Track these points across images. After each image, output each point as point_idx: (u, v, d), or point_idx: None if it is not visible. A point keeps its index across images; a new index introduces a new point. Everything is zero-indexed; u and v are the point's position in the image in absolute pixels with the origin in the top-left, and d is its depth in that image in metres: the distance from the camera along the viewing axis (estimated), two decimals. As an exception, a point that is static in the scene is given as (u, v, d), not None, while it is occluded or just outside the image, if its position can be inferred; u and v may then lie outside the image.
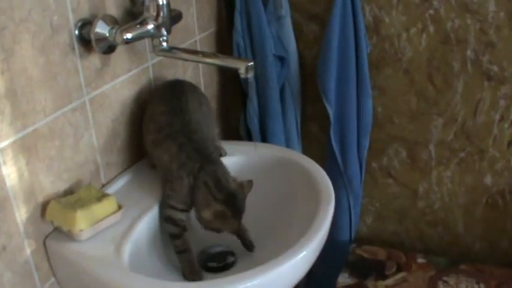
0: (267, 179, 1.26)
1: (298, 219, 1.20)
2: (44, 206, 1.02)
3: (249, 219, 1.11)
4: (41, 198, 1.02)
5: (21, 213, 0.98)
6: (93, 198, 1.04)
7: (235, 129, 1.62)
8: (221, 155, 1.27)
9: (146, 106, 1.20)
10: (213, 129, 1.27)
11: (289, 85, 1.56)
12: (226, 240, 1.16)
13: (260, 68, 1.47)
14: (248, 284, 0.91)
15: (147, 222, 1.09)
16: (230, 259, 1.18)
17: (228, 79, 1.58)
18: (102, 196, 1.05)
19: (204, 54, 1.13)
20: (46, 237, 1.04)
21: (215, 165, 1.09)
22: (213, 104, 1.55)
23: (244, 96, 1.55)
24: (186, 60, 1.16)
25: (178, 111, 1.13)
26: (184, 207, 1.09)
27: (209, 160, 1.09)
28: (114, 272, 0.96)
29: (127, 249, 1.01)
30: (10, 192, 0.95)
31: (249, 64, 1.03)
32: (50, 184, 1.04)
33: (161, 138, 1.12)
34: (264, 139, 1.56)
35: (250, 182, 1.09)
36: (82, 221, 1.00)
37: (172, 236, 1.10)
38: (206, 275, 1.13)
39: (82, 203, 1.02)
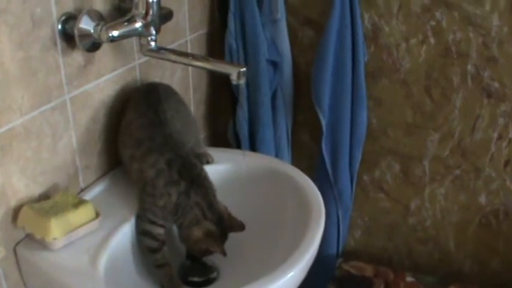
0: (254, 190, 1.20)
1: (286, 234, 1.14)
2: (16, 211, 0.96)
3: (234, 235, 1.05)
4: (13, 202, 0.95)
5: (-13, 220, 0.91)
6: (70, 204, 0.98)
7: (223, 135, 1.56)
8: (208, 162, 1.21)
9: (121, 116, 1.13)
10: (195, 135, 1.21)
11: (282, 91, 1.50)
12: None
13: (252, 72, 1.41)
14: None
15: (125, 233, 1.03)
16: (213, 274, 1.12)
17: (218, 82, 1.52)
18: (79, 203, 0.99)
19: (194, 57, 1.06)
20: (17, 244, 0.97)
21: (205, 185, 1.04)
22: (201, 108, 1.49)
23: (234, 101, 1.49)
24: (174, 62, 1.10)
25: (157, 123, 1.07)
26: (164, 223, 1.03)
27: (199, 178, 1.04)
28: (88, 285, 0.90)
29: (103, 260, 0.94)
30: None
31: (241, 70, 0.97)
32: (24, 187, 0.97)
33: (141, 153, 1.05)
34: (253, 146, 1.50)
35: (241, 224, 1.04)
36: (56, 229, 0.93)
37: (150, 250, 1.04)
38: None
39: (57, 210, 0.96)
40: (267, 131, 1.50)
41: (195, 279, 1.10)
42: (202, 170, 1.06)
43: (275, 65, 1.46)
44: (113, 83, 1.14)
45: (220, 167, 1.21)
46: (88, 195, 1.09)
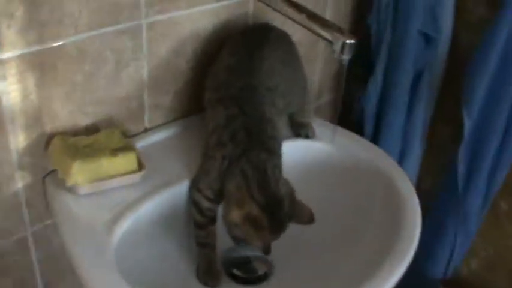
0: (338, 182, 0.97)
1: (367, 244, 0.91)
2: (52, 138, 0.83)
3: (300, 227, 0.82)
4: (49, 129, 0.83)
5: (17, 140, 0.80)
6: (110, 148, 0.83)
7: (347, 110, 1.30)
8: (307, 136, 1.00)
9: (218, 53, 0.94)
10: (302, 99, 0.99)
11: (429, 74, 1.20)
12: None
13: (396, 41, 1.14)
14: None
15: (166, 199, 0.85)
16: (262, 270, 0.93)
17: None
18: (121, 148, 0.83)
19: (301, 10, 0.81)
20: (47, 174, 0.86)
21: (267, 155, 0.81)
22: (327, 69, 1.24)
23: (367, 68, 1.22)
24: (280, 12, 0.86)
25: (244, 69, 0.86)
26: (211, 196, 0.83)
27: (261, 147, 0.82)
28: (90, 252, 0.75)
29: (123, 227, 0.79)
30: (6, 113, 0.77)
31: (348, 42, 0.72)
32: (67, 115, 0.84)
33: (215, 100, 0.87)
34: (377, 128, 1.24)
35: (311, 214, 0.81)
36: (79, 174, 0.79)
37: (196, 225, 0.86)
38: (228, 283, 0.90)
39: (91, 151, 0.81)
40: (398, 117, 1.22)
41: (238, 273, 0.92)
42: (272, 139, 0.84)
43: (428, 39, 1.16)
44: (212, 15, 0.94)
45: (304, 144, 0.99)
46: (149, 139, 0.94)
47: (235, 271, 0.92)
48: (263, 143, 0.82)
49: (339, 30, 0.73)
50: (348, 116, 1.28)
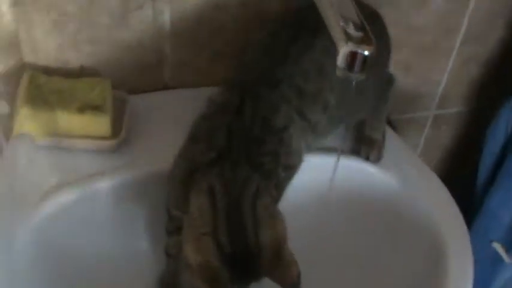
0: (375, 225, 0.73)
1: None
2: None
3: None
4: (31, 59, 0.70)
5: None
6: (84, 101, 0.67)
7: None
8: (367, 158, 0.74)
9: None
10: (369, 107, 0.73)
11: None
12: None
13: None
14: None
15: (134, 182, 0.67)
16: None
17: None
18: (97, 106, 0.67)
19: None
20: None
21: (250, 173, 0.56)
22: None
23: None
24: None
25: (275, 54, 0.62)
26: (176, 203, 0.62)
27: (245, 158, 0.57)
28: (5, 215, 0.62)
29: (64, 198, 0.64)
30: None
31: (360, 53, 0.45)
32: (56, 48, 0.70)
33: (228, 78, 0.65)
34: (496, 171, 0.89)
35: (296, 276, 0.54)
36: (27, 123, 0.66)
37: (165, 230, 0.67)
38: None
39: (57, 99, 0.67)
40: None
41: None
42: (271, 155, 0.59)
43: None
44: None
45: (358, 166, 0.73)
46: (164, 99, 0.77)
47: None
48: (249, 155, 0.58)
49: (346, 34, 0.45)
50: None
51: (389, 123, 0.82)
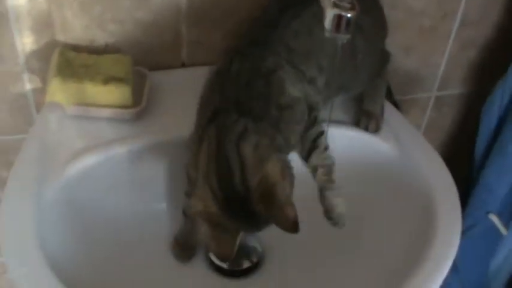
0: (374, 189, 0.78)
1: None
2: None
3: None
4: (62, 38, 0.78)
5: (23, 41, 0.77)
6: (108, 74, 0.75)
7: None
8: (366, 128, 0.80)
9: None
10: (365, 82, 0.79)
11: None
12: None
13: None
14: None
15: (153, 148, 0.74)
16: (253, 259, 0.78)
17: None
18: (119, 78, 0.75)
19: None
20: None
21: (238, 117, 0.60)
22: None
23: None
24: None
25: (269, 22, 0.68)
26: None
27: (235, 107, 0.61)
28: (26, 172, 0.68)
29: (84, 164, 0.70)
30: (10, 12, 0.74)
31: (344, 15, 0.52)
32: (83, 28, 0.78)
33: (229, 48, 0.71)
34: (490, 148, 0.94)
35: (293, 219, 0.55)
36: (58, 93, 0.74)
37: (185, 191, 0.73)
38: (210, 275, 0.77)
39: (84, 72, 0.75)
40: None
41: (218, 262, 0.77)
42: (263, 99, 0.62)
43: None
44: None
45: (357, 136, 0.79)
46: (181, 76, 0.84)
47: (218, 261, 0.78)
48: (238, 103, 0.61)
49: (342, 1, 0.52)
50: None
51: (395, 103, 0.88)
